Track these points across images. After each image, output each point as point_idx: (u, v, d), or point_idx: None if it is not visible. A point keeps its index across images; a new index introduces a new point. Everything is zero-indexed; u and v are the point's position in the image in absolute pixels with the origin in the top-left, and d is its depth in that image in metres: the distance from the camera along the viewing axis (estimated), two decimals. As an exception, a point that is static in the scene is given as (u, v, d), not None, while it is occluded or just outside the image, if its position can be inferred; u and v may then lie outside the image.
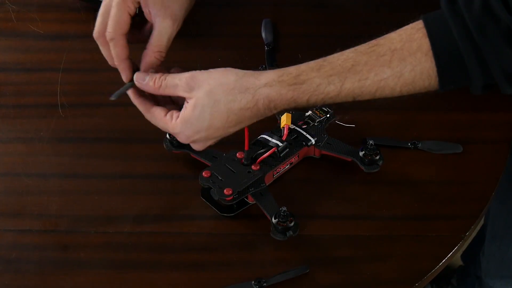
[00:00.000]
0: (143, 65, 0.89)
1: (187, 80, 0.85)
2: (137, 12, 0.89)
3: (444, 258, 0.93)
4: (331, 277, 0.91)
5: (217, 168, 0.96)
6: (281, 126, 0.99)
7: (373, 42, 0.85)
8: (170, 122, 0.87)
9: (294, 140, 1.00)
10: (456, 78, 0.82)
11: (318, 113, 1.02)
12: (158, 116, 0.88)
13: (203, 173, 0.96)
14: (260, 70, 1.05)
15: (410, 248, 0.94)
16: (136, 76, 0.89)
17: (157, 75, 0.87)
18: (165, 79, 0.86)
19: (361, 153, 0.98)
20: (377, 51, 0.84)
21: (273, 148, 0.97)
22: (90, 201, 0.98)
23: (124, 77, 0.90)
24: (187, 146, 1.00)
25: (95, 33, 0.89)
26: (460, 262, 1.66)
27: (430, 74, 0.82)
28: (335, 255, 0.93)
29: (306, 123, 1.02)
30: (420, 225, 0.96)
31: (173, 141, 1.00)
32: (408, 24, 0.85)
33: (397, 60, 0.83)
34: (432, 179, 0.99)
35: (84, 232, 0.95)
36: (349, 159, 0.99)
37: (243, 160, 0.97)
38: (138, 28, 0.92)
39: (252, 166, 0.96)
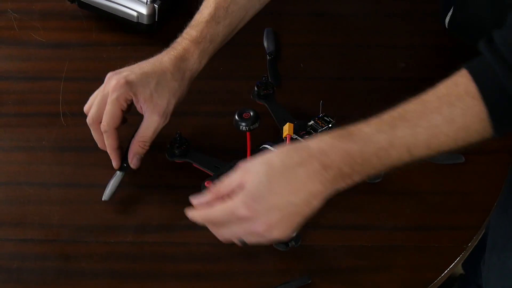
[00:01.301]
0: (130, 153, 0.98)
1: (240, 167, 0.84)
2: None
3: (446, 269, 0.93)
4: (332, 287, 0.91)
5: (219, 178, 0.96)
6: (283, 136, 0.99)
7: (419, 96, 0.83)
8: (229, 203, 0.82)
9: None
10: (509, 117, 0.80)
11: (320, 123, 1.02)
12: (217, 208, 0.84)
13: (205, 183, 0.95)
14: (263, 80, 1.06)
15: (412, 258, 0.94)
16: (193, 200, 0.87)
17: (213, 188, 0.85)
18: (221, 182, 0.85)
19: (363, 163, 0.98)
20: (424, 99, 0.82)
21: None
22: (92, 211, 0.98)
23: (115, 164, 0.99)
24: (189, 156, 1.00)
25: (90, 120, 0.98)
26: (461, 271, 1.66)
27: (482, 117, 0.80)
28: (337, 265, 0.93)
29: (308, 133, 1.01)
30: (422, 236, 0.96)
31: (175, 151, 1.00)
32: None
33: (446, 106, 0.81)
34: (434, 190, 0.99)
35: (85, 242, 0.95)
36: (351, 169, 0.99)
37: (246, 170, 0.96)
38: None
39: (254, 176, 0.96)
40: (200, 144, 1.02)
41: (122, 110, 0.96)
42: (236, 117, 0.91)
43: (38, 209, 0.98)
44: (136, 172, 1.01)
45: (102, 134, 0.98)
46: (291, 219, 0.82)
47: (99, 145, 0.99)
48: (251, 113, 0.91)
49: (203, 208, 0.86)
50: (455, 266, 0.94)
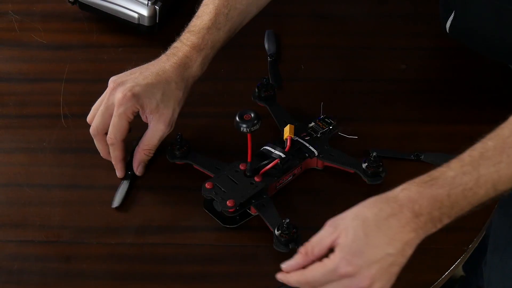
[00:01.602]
0: (135, 161, 1.00)
1: (329, 223, 0.84)
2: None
3: (447, 271, 0.93)
4: (333, 289, 0.91)
5: (220, 179, 0.96)
6: (284, 138, 0.99)
7: (494, 131, 0.86)
8: (328, 261, 0.82)
9: (297, 152, 1.00)
10: None
11: (321, 124, 1.02)
12: (315, 268, 0.83)
13: (206, 184, 0.95)
14: (264, 81, 1.06)
15: (413, 260, 0.93)
16: (285, 267, 0.86)
17: (301, 249, 0.85)
18: (310, 242, 0.84)
19: (364, 165, 0.98)
20: (501, 135, 0.85)
21: (276, 160, 0.97)
22: (93, 212, 0.98)
23: (119, 174, 1.00)
24: (189, 157, 1.00)
25: (94, 131, 0.99)
26: (462, 272, 1.66)
27: None
28: (337, 267, 0.92)
29: (309, 134, 1.02)
30: (422, 237, 0.96)
31: (176, 152, 1.00)
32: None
33: None
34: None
35: (86, 243, 0.95)
36: (352, 170, 0.99)
37: (246, 172, 0.97)
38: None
39: (255, 178, 0.96)
40: (201, 146, 1.02)
41: (129, 122, 0.97)
42: (237, 118, 0.91)
43: (38, 210, 0.98)
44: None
45: (106, 144, 0.99)
46: (390, 270, 0.83)
47: (102, 155, 1.00)
48: (252, 115, 0.91)
49: (296, 271, 0.85)
50: (456, 267, 0.94)
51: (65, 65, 1.15)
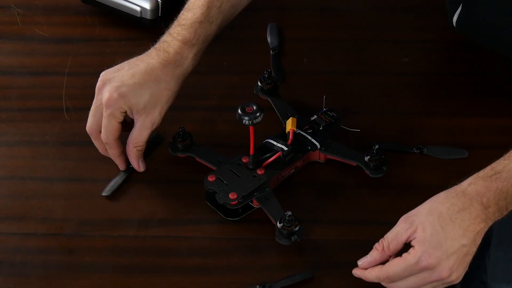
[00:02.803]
0: (132, 160, 1.00)
1: (403, 220, 0.88)
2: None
3: (450, 263, 0.92)
4: (336, 282, 0.91)
5: (222, 172, 0.96)
6: (286, 131, 0.99)
7: None
8: (409, 255, 0.86)
9: (299, 145, 1.00)
10: None
11: (323, 117, 1.03)
12: (395, 263, 0.87)
13: (208, 177, 0.96)
14: (266, 75, 1.06)
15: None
16: (362, 264, 0.90)
17: (377, 246, 0.89)
18: (385, 239, 0.88)
19: (366, 158, 0.98)
20: None
21: (278, 153, 0.98)
22: (95, 205, 0.98)
23: (121, 167, 1.01)
24: (192, 150, 1.00)
25: (88, 129, 0.99)
26: (465, 267, 1.65)
27: None
28: (340, 260, 0.93)
29: (312, 127, 1.02)
30: (425, 230, 0.96)
31: (178, 145, 1.00)
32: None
33: None
34: (437, 184, 0.98)
35: (89, 236, 0.95)
36: (354, 163, 0.99)
37: (248, 165, 0.97)
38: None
39: (257, 171, 0.96)
40: (203, 139, 1.02)
41: (119, 122, 0.97)
42: (239, 111, 0.92)
43: (41, 203, 0.98)
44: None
45: (102, 142, 0.99)
46: (465, 259, 0.87)
47: (100, 152, 1.00)
48: (254, 107, 0.92)
49: (375, 267, 0.88)
50: (458, 260, 0.94)
51: (67, 58, 1.15)
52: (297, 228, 0.91)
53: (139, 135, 0.98)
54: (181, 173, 1.01)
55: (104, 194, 0.98)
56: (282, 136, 1.00)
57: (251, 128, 0.92)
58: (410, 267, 0.86)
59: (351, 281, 0.91)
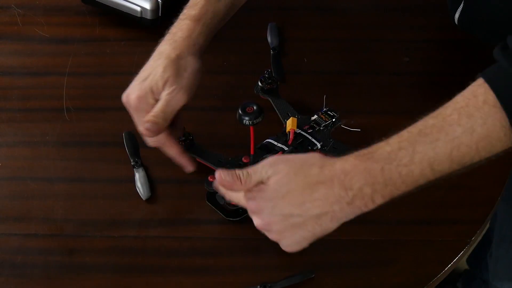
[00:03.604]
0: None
1: (270, 164, 0.84)
2: None
3: (450, 263, 0.93)
4: (337, 281, 0.91)
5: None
6: (286, 131, 0.99)
7: (437, 110, 0.84)
8: (245, 192, 0.84)
9: (300, 145, 1.00)
10: None
11: (323, 117, 1.02)
12: (234, 194, 0.86)
13: (209, 177, 0.96)
14: (266, 74, 1.06)
15: (416, 252, 0.94)
16: (217, 175, 0.86)
17: (241, 173, 0.84)
18: (249, 174, 0.84)
19: (367, 158, 0.98)
20: (443, 113, 0.82)
21: (279, 153, 0.97)
22: (96, 205, 0.98)
23: (188, 169, 0.98)
24: (192, 150, 1.00)
25: (153, 143, 0.96)
26: (466, 266, 1.66)
27: (503, 124, 0.79)
28: (341, 259, 0.93)
29: (312, 127, 1.01)
30: (425, 230, 0.96)
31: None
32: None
33: (466, 117, 0.80)
34: (437, 184, 0.98)
35: (89, 236, 0.95)
36: (355, 163, 0.99)
37: (249, 165, 0.96)
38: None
39: (258, 171, 0.96)
40: (204, 139, 1.02)
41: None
42: (240, 111, 0.91)
43: (42, 203, 0.98)
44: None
45: (173, 147, 0.96)
46: (294, 230, 0.83)
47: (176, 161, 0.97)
48: (255, 107, 0.91)
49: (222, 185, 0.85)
50: (459, 260, 0.94)
51: (68, 58, 1.15)
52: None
53: (159, 106, 0.93)
54: (181, 174, 1.00)
55: (145, 198, 0.98)
56: (282, 136, 1.00)
57: (251, 128, 0.92)
58: (241, 200, 0.85)
59: (352, 281, 0.91)
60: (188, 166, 0.98)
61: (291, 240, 0.84)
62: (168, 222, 0.97)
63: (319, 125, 1.02)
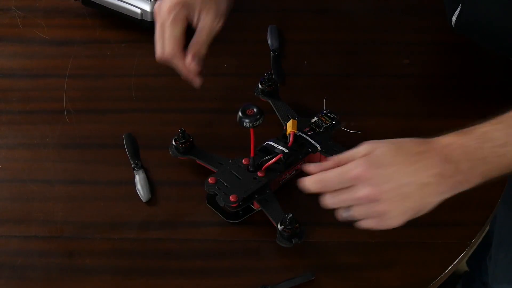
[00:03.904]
0: (189, 76, 0.99)
1: (365, 145, 0.85)
2: None
3: (450, 265, 0.93)
4: (337, 284, 0.91)
5: (223, 174, 0.96)
6: (287, 133, 0.99)
7: None
8: (347, 163, 0.84)
9: (300, 147, 1.00)
10: None
11: (324, 119, 1.02)
12: (332, 170, 0.85)
13: (209, 179, 0.95)
14: (266, 77, 1.06)
15: (416, 255, 0.94)
16: (308, 167, 0.88)
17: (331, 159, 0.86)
18: (340, 156, 0.86)
19: (366, 160, 0.98)
20: None
21: (279, 155, 0.97)
22: (96, 208, 0.98)
23: (197, 83, 1.00)
24: (192, 152, 1.00)
25: (160, 53, 0.97)
26: (466, 268, 1.65)
27: None
28: (341, 262, 0.93)
29: (312, 129, 1.01)
30: (425, 232, 0.96)
31: (179, 147, 1.00)
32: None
33: None
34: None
35: (89, 238, 0.95)
36: (355, 165, 0.99)
37: (249, 167, 0.96)
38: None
39: (258, 173, 0.96)
40: (204, 141, 1.02)
41: (183, 29, 0.96)
42: (240, 113, 0.91)
43: (42, 206, 0.98)
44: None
45: (181, 59, 0.98)
46: (402, 202, 0.83)
47: (184, 73, 0.99)
48: (255, 110, 0.91)
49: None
50: (459, 262, 0.94)
51: (68, 60, 1.15)
52: (298, 230, 0.91)
53: (200, 36, 0.97)
54: (181, 176, 1.01)
55: (145, 200, 0.98)
56: (282, 138, 1.00)
57: (251, 131, 0.92)
58: (342, 174, 0.83)
59: (352, 283, 0.91)
60: (196, 80, 0.99)
61: (399, 211, 0.83)
62: (168, 224, 0.96)
63: (319, 127, 1.02)
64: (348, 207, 0.85)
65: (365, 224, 0.85)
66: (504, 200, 1.01)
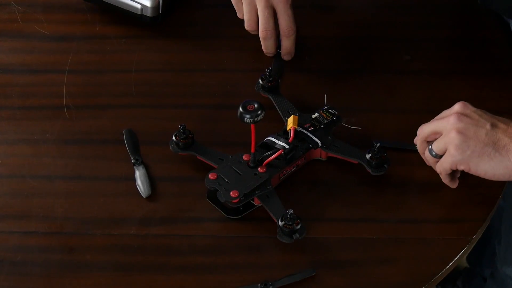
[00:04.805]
0: (291, 50, 1.12)
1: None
2: None
3: (451, 261, 0.92)
4: (337, 280, 0.91)
5: (224, 170, 0.96)
6: (287, 129, 0.99)
7: None
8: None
9: (301, 143, 0.99)
10: None
11: (324, 115, 1.02)
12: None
13: (209, 175, 0.95)
14: (266, 73, 1.06)
15: (417, 251, 0.94)
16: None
17: None
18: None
19: (368, 156, 0.98)
20: None
21: (280, 151, 0.97)
22: (96, 203, 0.98)
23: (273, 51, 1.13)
24: (193, 148, 1.00)
25: (251, 27, 1.11)
26: (466, 264, 1.66)
27: None
28: (341, 258, 0.93)
29: (313, 125, 1.01)
30: (426, 228, 0.96)
31: (179, 143, 1.00)
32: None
33: None
34: (439, 182, 0.98)
35: (90, 234, 0.95)
36: (356, 161, 0.99)
37: (250, 163, 0.96)
38: None
39: (259, 169, 0.96)
40: (204, 137, 1.02)
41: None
42: (241, 109, 0.91)
43: (42, 201, 0.98)
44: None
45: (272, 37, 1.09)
46: (482, 155, 0.90)
47: (269, 50, 1.11)
48: (256, 105, 0.91)
49: None
50: (460, 258, 0.94)
51: (68, 56, 1.14)
52: (298, 226, 0.91)
53: (286, 19, 1.08)
54: (182, 171, 1.00)
55: (145, 196, 0.97)
56: (283, 134, 1.00)
57: (252, 126, 0.92)
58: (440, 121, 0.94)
59: (353, 279, 0.91)
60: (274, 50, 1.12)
61: (476, 162, 0.91)
62: (168, 220, 0.96)
63: (320, 123, 1.01)
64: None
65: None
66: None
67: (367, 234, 0.94)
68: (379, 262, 0.92)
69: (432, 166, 0.97)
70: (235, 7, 1.12)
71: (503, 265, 1.39)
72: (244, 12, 1.10)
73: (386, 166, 0.98)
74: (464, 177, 0.98)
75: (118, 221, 0.96)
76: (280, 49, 1.12)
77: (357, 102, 1.08)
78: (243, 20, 1.12)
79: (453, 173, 0.96)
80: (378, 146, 0.97)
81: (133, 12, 1.16)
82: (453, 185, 0.97)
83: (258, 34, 1.11)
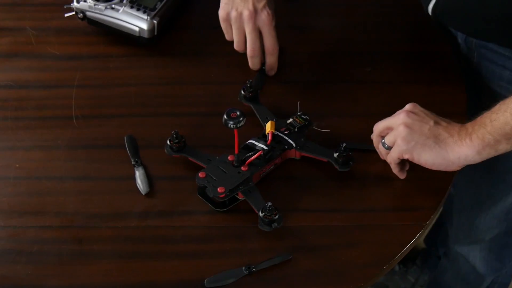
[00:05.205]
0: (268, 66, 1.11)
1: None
2: None
3: (408, 244, 0.92)
4: (311, 262, 0.90)
5: (211, 169, 0.95)
6: (266, 132, 0.98)
7: None
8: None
9: (278, 144, 0.99)
10: None
11: (298, 120, 1.02)
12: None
13: (199, 174, 0.95)
14: (247, 84, 1.05)
15: (379, 236, 0.93)
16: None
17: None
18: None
19: (335, 155, 0.97)
20: None
21: (260, 152, 0.96)
22: (102, 200, 0.97)
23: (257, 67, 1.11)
24: (184, 151, 0.99)
25: (243, 49, 1.10)
26: (423, 245, 1.66)
27: None
28: (314, 243, 0.92)
29: (288, 129, 1.01)
30: (387, 216, 0.95)
31: (173, 147, 0.99)
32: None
33: None
34: (396, 177, 0.98)
35: (96, 227, 0.94)
36: (325, 160, 0.99)
37: (234, 162, 0.96)
38: None
39: (242, 168, 0.95)
40: (195, 141, 1.01)
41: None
42: (225, 116, 0.91)
43: (55, 199, 0.97)
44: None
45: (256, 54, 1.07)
46: (426, 142, 0.90)
47: (253, 67, 1.10)
48: (238, 113, 0.91)
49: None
50: (416, 241, 0.93)
51: (76, 73, 1.13)
52: (276, 217, 0.90)
53: (271, 40, 1.08)
54: (176, 171, 1.00)
55: (144, 192, 0.96)
56: (262, 137, 0.99)
57: (235, 131, 0.91)
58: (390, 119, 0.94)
59: (324, 261, 0.90)
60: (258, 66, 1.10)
61: (419, 151, 0.91)
62: (164, 213, 0.95)
63: (294, 127, 1.01)
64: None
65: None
66: (464, 175, 1.01)
67: (336, 222, 0.94)
68: (347, 246, 0.92)
69: (385, 158, 0.97)
70: (224, 31, 1.10)
71: (455, 245, 1.39)
72: (233, 35, 1.08)
73: (351, 163, 0.97)
74: (418, 171, 0.98)
75: (121, 215, 0.95)
76: (264, 66, 1.12)
77: (326, 108, 1.08)
78: (228, 40, 1.11)
79: (402, 165, 0.96)
80: (344, 146, 0.97)
81: (132, 34, 1.15)
82: (402, 175, 0.96)
83: (245, 53, 1.10)
